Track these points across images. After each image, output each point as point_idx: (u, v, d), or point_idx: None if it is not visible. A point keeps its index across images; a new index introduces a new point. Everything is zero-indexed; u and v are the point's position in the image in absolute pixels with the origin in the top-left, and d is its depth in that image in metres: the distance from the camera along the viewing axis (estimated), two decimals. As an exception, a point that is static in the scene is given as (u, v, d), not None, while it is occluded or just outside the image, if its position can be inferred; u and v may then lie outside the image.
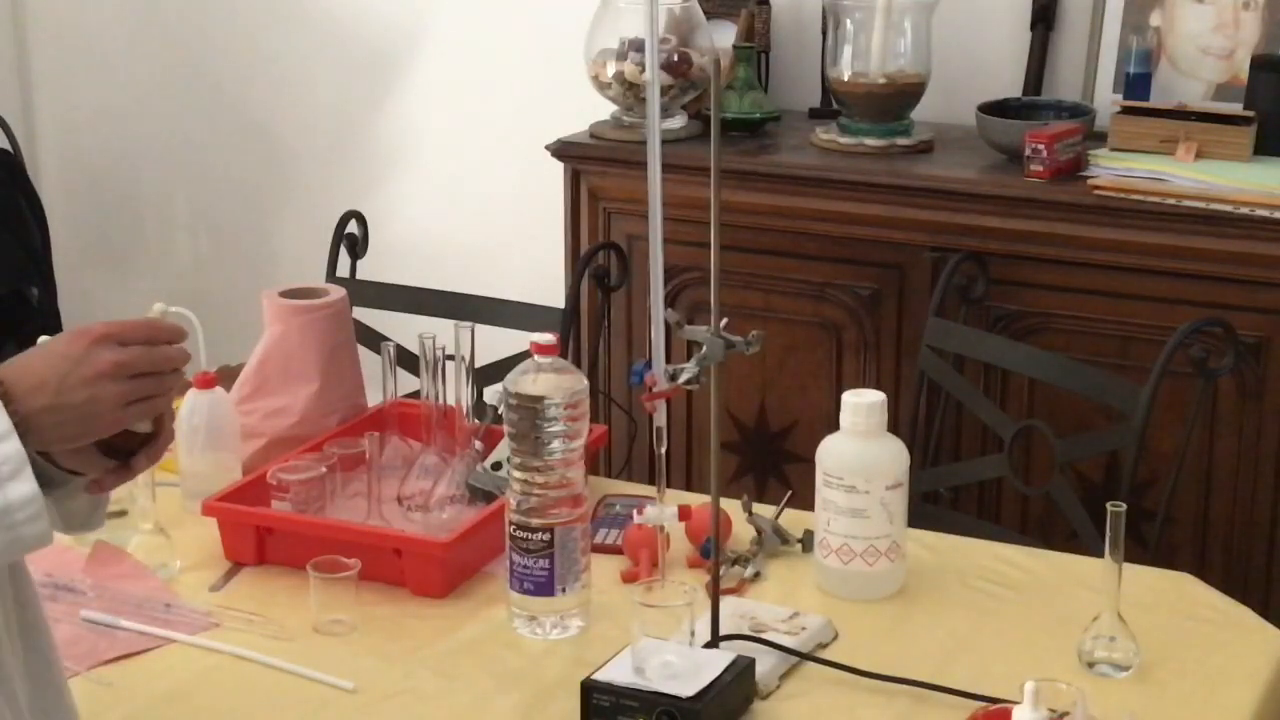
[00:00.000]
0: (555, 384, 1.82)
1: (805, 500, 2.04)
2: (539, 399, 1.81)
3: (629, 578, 1.98)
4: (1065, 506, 2.44)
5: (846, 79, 3.05)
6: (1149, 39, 3.04)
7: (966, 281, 2.81)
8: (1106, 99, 3.03)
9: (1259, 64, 2.88)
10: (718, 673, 1.68)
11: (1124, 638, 1.77)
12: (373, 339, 2.60)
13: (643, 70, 3.03)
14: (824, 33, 3.20)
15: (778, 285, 3.02)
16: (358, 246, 2.93)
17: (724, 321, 1.74)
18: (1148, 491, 2.66)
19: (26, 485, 1.33)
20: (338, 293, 2.31)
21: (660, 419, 1.78)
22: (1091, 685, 1.70)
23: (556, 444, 1.82)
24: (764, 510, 2.08)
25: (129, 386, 1.37)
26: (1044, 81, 3.17)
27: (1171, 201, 2.71)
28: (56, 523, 1.45)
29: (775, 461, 3.08)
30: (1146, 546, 2.46)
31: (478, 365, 2.15)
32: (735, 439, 3.09)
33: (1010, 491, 2.84)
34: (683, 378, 1.74)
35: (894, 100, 3.04)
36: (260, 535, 2.03)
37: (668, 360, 1.76)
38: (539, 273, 3.40)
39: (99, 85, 4.16)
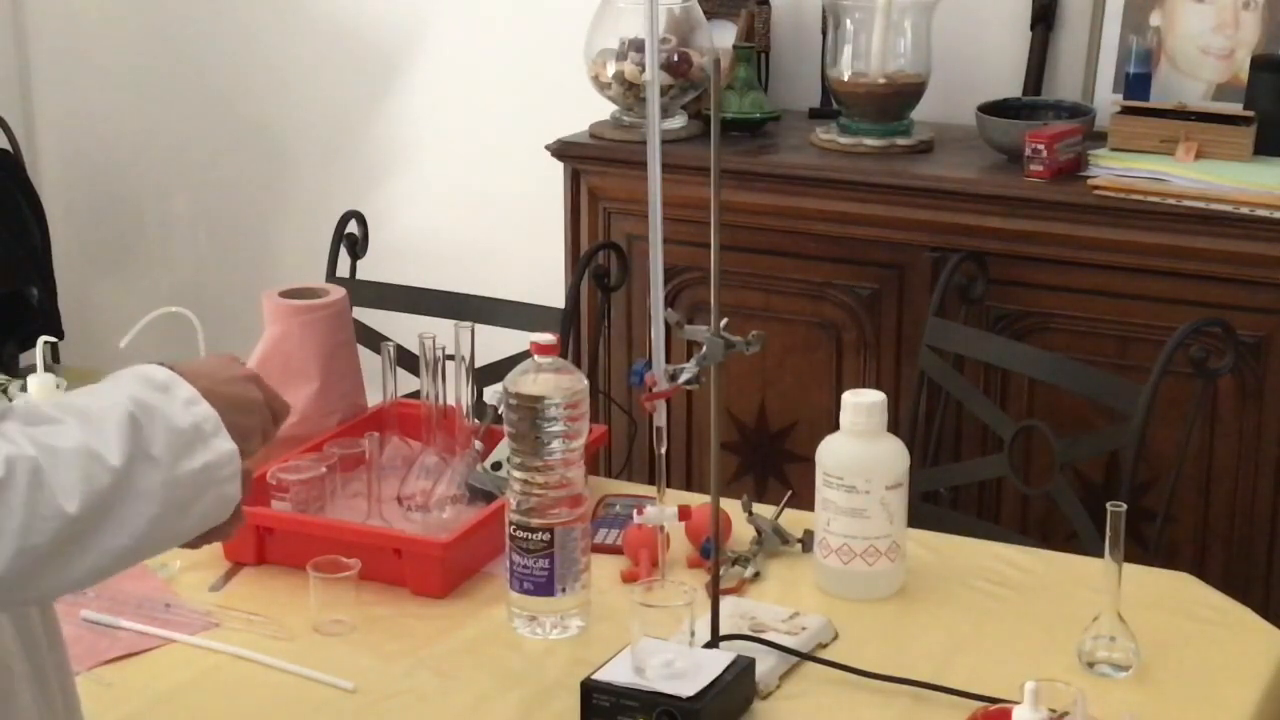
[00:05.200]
0: (555, 384, 1.82)
1: (805, 500, 2.04)
2: (539, 399, 1.81)
3: (629, 578, 1.98)
4: (1065, 506, 2.44)
5: (846, 79, 3.05)
6: (1149, 39, 3.04)
7: (966, 281, 2.81)
8: (1106, 99, 3.03)
9: (1259, 64, 2.88)
10: (718, 673, 1.68)
11: (1124, 638, 1.77)
12: (373, 339, 2.60)
13: (643, 70, 3.03)
14: (824, 33, 3.20)
15: (778, 285, 3.02)
16: (358, 246, 2.93)
17: (724, 321, 1.74)
18: (1148, 491, 2.65)
19: (227, 442, 1.38)
20: (338, 293, 2.31)
21: (660, 419, 1.78)
22: (1091, 685, 1.70)
23: (556, 444, 1.82)
24: (764, 510, 2.08)
25: (267, 395, 1.48)
26: (1044, 81, 3.17)
27: (1171, 201, 2.71)
28: None
29: (775, 461, 3.08)
30: (1146, 546, 2.46)
31: (478, 365, 2.15)
32: (735, 439, 3.09)
33: (1010, 491, 2.84)
34: (683, 378, 1.74)
35: (894, 100, 3.04)
36: (260, 535, 2.03)
37: (668, 360, 1.76)
38: (539, 273, 3.40)
39: (99, 85, 4.16)
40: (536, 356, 1.83)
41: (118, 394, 1.33)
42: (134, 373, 1.39)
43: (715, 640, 1.77)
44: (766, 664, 1.76)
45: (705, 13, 3.18)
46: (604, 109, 3.20)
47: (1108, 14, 3.09)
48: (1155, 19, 3.05)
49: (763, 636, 1.80)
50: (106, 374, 1.39)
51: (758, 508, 2.08)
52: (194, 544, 1.46)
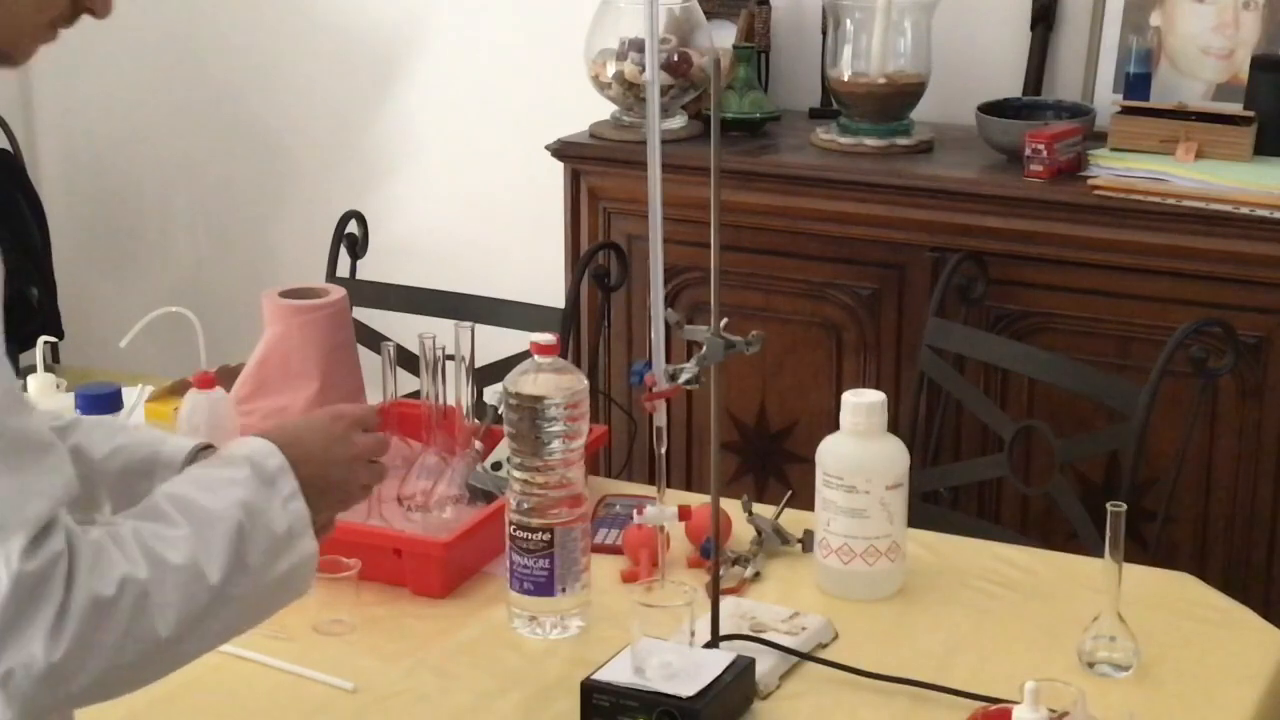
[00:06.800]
0: (555, 384, 1.82)
1: (805, 500, 2.04)
2: (539, 399, 1.81)
3: (629, 578, 1.98)
4: (1065, 506, 2.44)
5: (846, 79, 3.05)
6: (1149, 39, 3.04)
7: (966, 281, 2.81)
8: (1106, 99, 3.04)
9: (1259, 64, 2.88)
10: (718, 673, 1.68)
11: (1124, 638, 1.77)
12: (373, 339, 2.60)
13: (643, 70, 3.03)
14: (824, 33, 3.21)
15: (778, 285, 3.02)
16: (358, 246, 2.93)
17: (724, 321, 1.74)
18: (1148, 491, 2.65)
19: (311, 543, 1.44)
20: (338, 293, 2.31)
21: (660, 419, 1.78)
22: (1091, 685, 1.70)
23: (556, 444, 1.82)
24: (764, 510, 2.08)
25: (374, 471, 1.56)
26: (1044, 81, 3.17)
27: (1171, 201, 2.71)
28: None
29: (775, 461, 3.08)
30: (1146, 546, 2.46)
31: (478, 365, 2.15)
32: (735, 439, 3.09)
33: (1010, 491, 2.84)
34: (683, 378, 1.74)
35: (894, 100, 3.04)
36: (260, 535, 2.03)
37: (668, 360, 1.76)
38: (539, 273, 3.40)
39: (99, 85, 4.16)
40: (536, 356, 1.83)
41: (231, 496, 1.38)
42: (251, 459, 1.42)
43: (715, 640, 1.77)
44: (766, 664, 1.76)
45: (705, 13, 3.18)
46: (604, 109, 3.20)
47: (1108, 14, 3.09)
48: (1155, 19, 3.05)
49: (763, 636, 1.80)
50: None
51: (758, 508, 2.08)
52: None
